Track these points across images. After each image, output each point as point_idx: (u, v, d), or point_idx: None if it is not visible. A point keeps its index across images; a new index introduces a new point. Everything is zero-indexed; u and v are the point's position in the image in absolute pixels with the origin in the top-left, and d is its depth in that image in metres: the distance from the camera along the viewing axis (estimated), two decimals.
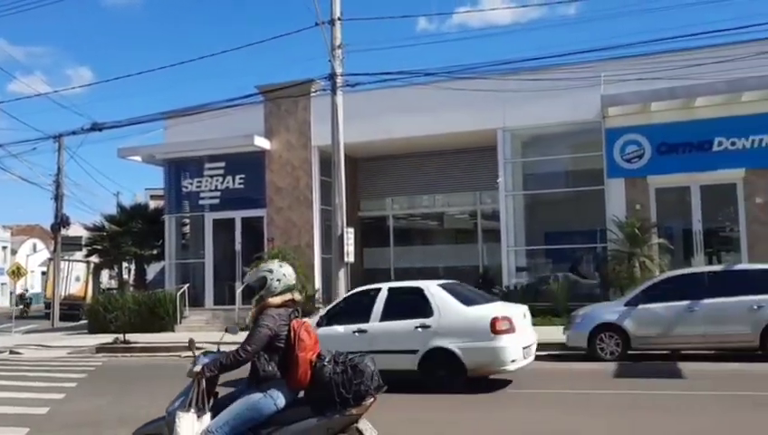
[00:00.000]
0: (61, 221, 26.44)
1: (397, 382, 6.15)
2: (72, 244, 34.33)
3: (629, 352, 11.53)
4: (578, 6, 53.11)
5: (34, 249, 58.71)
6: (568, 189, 18.40)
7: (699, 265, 15.04)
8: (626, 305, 11.75)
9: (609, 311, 11.92)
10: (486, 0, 65.14)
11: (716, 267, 13.75)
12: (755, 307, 10.92)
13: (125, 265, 28.80)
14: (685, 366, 10.62)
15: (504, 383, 9.82)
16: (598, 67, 15.84)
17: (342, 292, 15.26)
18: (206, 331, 18.43)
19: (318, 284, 18.98)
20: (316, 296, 18.69)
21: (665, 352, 11.75)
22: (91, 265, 30.87)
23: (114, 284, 34.38)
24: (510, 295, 16.71)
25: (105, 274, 35.56)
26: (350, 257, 15.42)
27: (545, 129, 17.74)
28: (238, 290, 19.35)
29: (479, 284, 19.30)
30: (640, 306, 11.58)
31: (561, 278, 16.79)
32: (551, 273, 17.50)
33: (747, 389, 8.75)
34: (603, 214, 16.39)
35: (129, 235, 24.41)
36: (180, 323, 19.14)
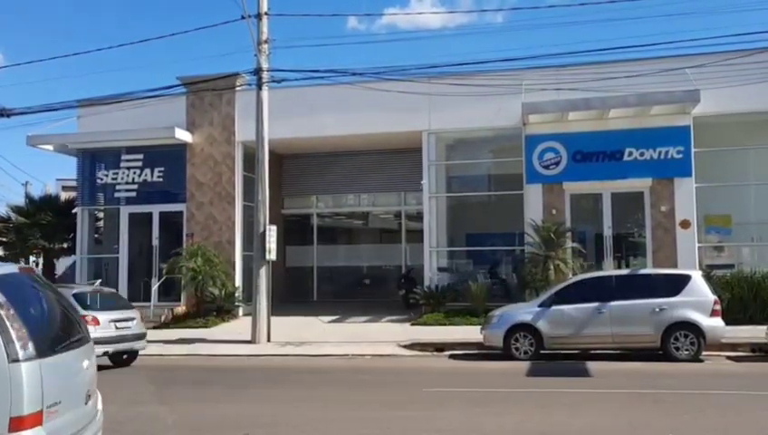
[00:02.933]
0: None
1: None
2: None
3: (542, 351, 11.98)
4: (504, 15, 54.53)
5: None
6: (490, 193, 18.92)
7: (608, 269, 15.82)
8: (539, 307, 12.21)
9: (524, 312, 12.34)
10: (416, 3, 65.89)
11: (623, 271, 14.52)
12: (657, 310, 11.60)
13: (32, 259, 27.29)
14: (593, 365, 11.13)
15: (420, 382, 9.99)
16: (520, 75, 16.34)
17: (263, 290, 15.09)
18: None
19: (238, 281, 18.67)
20: (236, 294, 18.38)
21: (575, 351, 12.29)
22: None
23: None
24: (431, 295, 17.04)
25: None
26: (271, 255, 15.25)
27: (469, 133, 18.16)
28: (154, 286, 18.77)
29: (401, 283, 19.60)
30: (553, 307, 12.06)
31: (481, 279, 17.22)
32: (471, 274, 17.92)
33: (648, 387, 9.28)
34: (522, 218, 16.93)
35: (37, 227, 23.11)
36: None
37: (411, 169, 19.42)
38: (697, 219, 16.10)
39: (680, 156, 16.06)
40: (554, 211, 16.62)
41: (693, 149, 16.03)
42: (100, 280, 19.07)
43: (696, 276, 12.18)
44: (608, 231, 16.69)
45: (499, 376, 10.65)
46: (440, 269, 18.01)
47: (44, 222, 23.01)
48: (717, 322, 11.68)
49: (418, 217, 19.68)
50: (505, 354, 12.02)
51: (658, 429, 6.96)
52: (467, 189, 19.08)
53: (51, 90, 57.36)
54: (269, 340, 14.83)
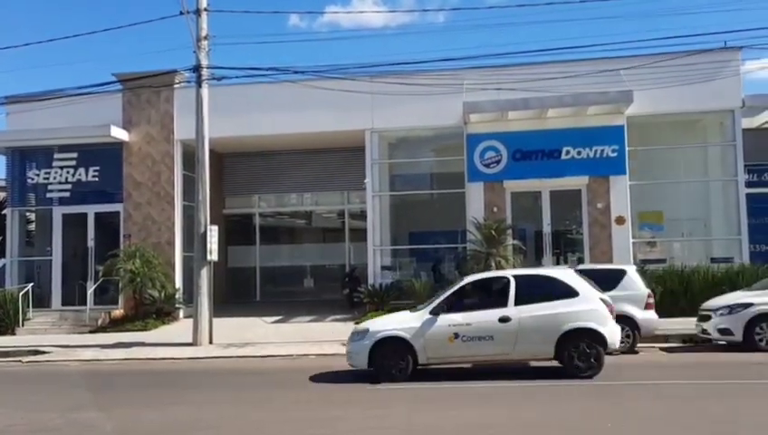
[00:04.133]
0: None
1: None
2: None
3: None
4: (445, 15, 55.13)
5: None
6: (432, 191, 19.10)
7: (548, 265, 16.21)
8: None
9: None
10: (357, 2, 65.83)
11: (561, 267, 14.86)
12: None
13: None
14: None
15: (366, 381, 9.99)
16: (461, 75, 16.57)
17: (205, 291, 14.79)
18: (52, 333, 17.09)
19: (179, 283, 18.24)
20: (177, 296, 17.96)
21: None
22: None
23: None
24: (375, 294, 17.07)
25: None
26: (213, 256, 14.96)
27: (412, 131, 18.29)
28: (90, 289, 18.14)
29: (345, 282, 19.55)
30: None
31: (424, 277, 17.35)
32: (414, 272, 18.04)
33: (586, 380, 9.51)
34: (464, 216, 17.15)
35: None
36: (23, 325, 17.57)
37: (354, 167, 19.40)
38: (631, 216, 16.68)
39: (615, 154, 16.60)
40: (495, 209, 16.91)
41: (627, 148, 16.59)
42: (32, 283, 18.29)
43: (631, 271, 12.62)
44: (547, 228, 17.09)
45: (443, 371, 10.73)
46: (384, 268, 18.05)
47: None
48: (651, 314, 12.13)
49: (362, 215, 19.68)
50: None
51: (599, 419, 7.16)
52: (410, 188, 19.20)
53: None
54: (211, 342, 14.55)
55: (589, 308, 9.66)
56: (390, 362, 9.81)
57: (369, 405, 8.36)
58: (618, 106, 16.33)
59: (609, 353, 9.96)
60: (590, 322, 9.52)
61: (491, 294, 10.41)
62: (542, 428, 6.94)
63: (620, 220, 16.53)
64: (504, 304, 9.76)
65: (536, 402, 8.25)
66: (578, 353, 9.45)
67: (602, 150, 16.64)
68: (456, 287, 10.44)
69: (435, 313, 9.93)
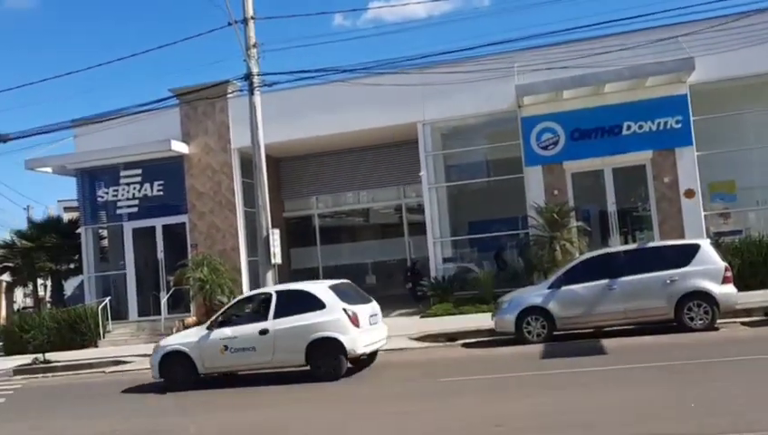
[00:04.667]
0: None
1: None
2: None
3: (555, 333, 11.93)
4: None
5: None
6: (489, 179, 18.80)
7: (615, 245, 15.73)
8: (549, 288, 12.14)
9: (534, 295, 12.28)
10: None
11: (631, 246, 14.38)
12: (668, 281, 11.52)
13: (40, 281, 27.34)
14: (607, 343, 11.08)
15: (435, 373, 9.96)
16: (511, 58, 16.24)
17: None
18: (131, 344, 17.78)
19: (246, 287, 18.64)
20: None
21: (588, 330, 12.22)
22: (3, 284, 29.14)
23: (30, 302, 32.60)
24: (439, 286, 16.98)
25: (19, 292, 33.66)
26: (276, 259, 15.20)
27: (464, 120, 18.06)
28: (163, 299, 18.77)
29: (408, 277, 19.54)
30: (563, 288, 11.99)
31: (487, 266, 17.14)
32: (476, 261, 17.85)
33: (665, 359, 9.22)
34: (524, 201, 16.84)
35: (42, 250, 23.16)
36: (104, 337, 18.37)
37: (409, 161, 19.33)
38: (701, 188, 15.99)
39: (679, 125, 15.95)
40: (556, 192, 16.53)
41: (692, 118, 15.91)
42: (109, 297, 19.05)
43: (705, 245, 12.10)
44: (612, 207, 16.60)
45: (514, 361, 10.60)
46: (445, 259, 17.94)
47: (49, 244, 23.06)
48: (730, 289, 11.60)
49: (419, 209, 19.59)
50: (518, 339, 11.97)
51: (680, 400, 6.90)
52: (466, 177, 18.96)
53: (45, 112, 57.42)
54: None
55: (332, 319, 10.36)
56: (174, 373, 10.99)
57: (444, 396, 8.31)
58: (679, 75, 15.67)
59: (356, 360, 10.69)
60: (332, 331, 10.29)
61: (258, 310, 11.51)
62: (617, 410, 6.74)
63: (690, 193, 15.89)
64: (265, 317, 10.81)
65: (614, 386, 8.01)
66: (323, 361, 10.33)
67: (665, 122, 16.01)
68: (228, 304, 12.03)
69: (209, 328, 11.15)
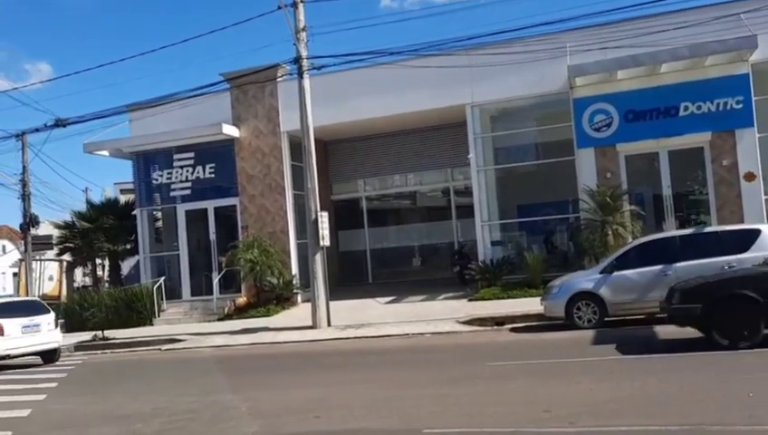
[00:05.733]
0: (30, 221, 25.82)
1: None
2: (43, 243, 33.58)
3: (606, 318, 11.74)
4: None
5: (4, 250, 57.42)
6: (539, 161, 18.49)
7: (670, 230, 15.31)
8: (601, 273, 11.94)
9: (585, 280, 12.10)
10: None
11: (687, 231, 13.95)
12: (726, 268, 11.14)
13: (98, 261, 28.34)
14: (660, 330, 10.83)
15: (483, 357, 9.94)
16: (562, 38, 15.88)
17: (320, 276, 15.25)
18: (184, 322, 18.33)
19: (295, 269, 18.93)
20: (294, 282, 18.66)
21: (641, 316, 11.98)
22: (64, 264, 30.31)
23: (89, 281, 33.86)
24: (487, 270, 16.88)
25: (79, 271, 34.95)
26: (325, 241, 15.38)
27: (514, 102, 17.78)
28: (215, 280, 19.22)
29: (455, 260, 19.47)
30: (615, 273, 11.78)
31: (536, 250, 16.95)
32: (525, 245, 17.65)
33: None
34: (575, 184, 16.54)
35: (100, 231, 24.00)
36: (158, 316, 18.98)
37: (456, 144, 19.20)
38: (763, 171, 15.37)
39: (740, 106, 15.34)
40: (609, 175, 16.17)
41: (753, 98, 15.29)
42: (163, 277, 19.65)
43: (766, 230, 11.66)
44: (667, 191, 16.14)
45: (563, 346, 10.48)
46: (493, 243, 17.80)
47: (107, 226, 23.88)
48: None
49: (467, 192, 19.47)
50: (568, 324, 11.83)
51: (737, 390, 6.72)
52: (515, 160, 18.68)
53: (101, 97, 59.14)
54: (329, 324, 15.01)
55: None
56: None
57: (492, 380, 8.31)
58: (740, 53, 15.05)
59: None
60: None
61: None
62: (669, 398, 6.61)
63: (750, 177, 15.30)
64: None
65: (670, 373, 7.85)
66: None
67: (725, 103, 15.43)
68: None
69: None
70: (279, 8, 14.91)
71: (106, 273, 28.73)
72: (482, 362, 9.60)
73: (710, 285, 9.39)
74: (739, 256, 11.22)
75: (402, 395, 7.93)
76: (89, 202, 28.02)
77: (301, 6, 15.12)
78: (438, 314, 14.78)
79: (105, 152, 20.81)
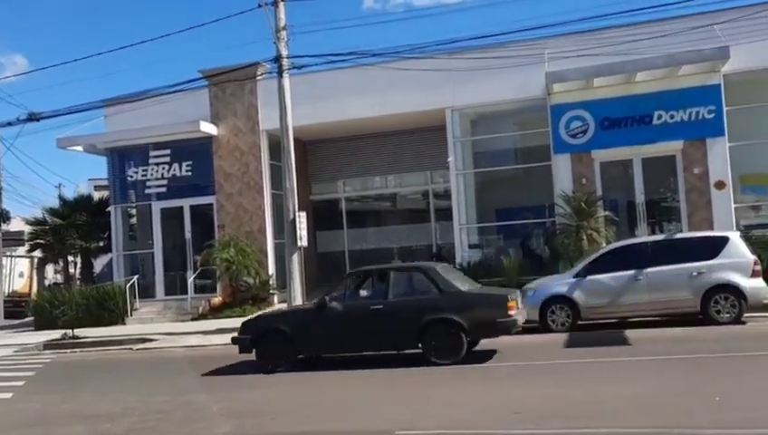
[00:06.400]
0: (0, 216, 25.44)
1: None
2: (14, 239, 32.96)
3: (580, 322, 11.88)
4: None
5: None
6: (517, 166, 18.67)
7: (643, 236, 15.54)
8: (575, 277, 12.09)
9: (559, 283, 12.24)
10: None
11: (659, 237, 14.19)
12: (695, 274, 11.39)
13: (70, 258, 27.91)
14: (632, 333, 11.01)
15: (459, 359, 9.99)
16: (542, 45, 16.05)
17: (297, 276, 15.20)
18: (158, 322, 18.13)
19: (272, 269, 18.84)
20: (270, 282, 18.57)
21: (613, 320, 12.15)
22: (35, 261, 29.83)
23: (60, 278, 33.34)
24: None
25: (50, 268, 34.40)
26: (303, 242, 15.34)
27: (493, 107, 17.91)
28: (190, 279, 19.05)
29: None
30: (588, 278, 11.93)
31: (513, 253, 17.09)
32: (502, 248, 17.79)
33: (689, 352, 9.14)
34: (551, 189, 16.72)
35: (73, 228, 23.65)
36: (131, 315, 18.75)
37: (436, 147, 19.27)
38: (732, 180, 15.70)
39: (711, 116, 15.65)
40: (584, 181, 16.37)
41: (725, 108, 15.61)
42: (137, 275, 19.42)
43: (734, 238, 11.92)
44: (640, 197, 16.39)
45: (537, 349, 10.57)
46: (471, 246, 17.92)
47: (80, 222, 23.53)
48: (758, 283, 11.43)
49: (446, 195, 19.57)
50: (542, 327, 11.95)
51: (704, 393, 6.85)
52: (494, 164, 18.83)
53: (76, 91, 58.30)
54: None
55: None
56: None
57: (463, 381, 8.35)
58: (713, 64, 15.36)
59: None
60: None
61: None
62: (637, 401, 6.71)
63: (720, 185, 15.62)
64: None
65: (639, 377, 7.98)
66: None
67: (698, 112, 15.72)
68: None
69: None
70: (259, 6, 14.85)
71: (78, 270, 28.32)
72: (458, 363, 9.63)
73: (256, 320, 11.34)
74: (708, 262, 11.47)
75: (375, 396, 7.95)
76: (62, 198, 27.59)
77: (281, 5, 15.07)
78: None
79: (79, 148, 20.51)
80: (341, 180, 22.29)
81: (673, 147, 15.96)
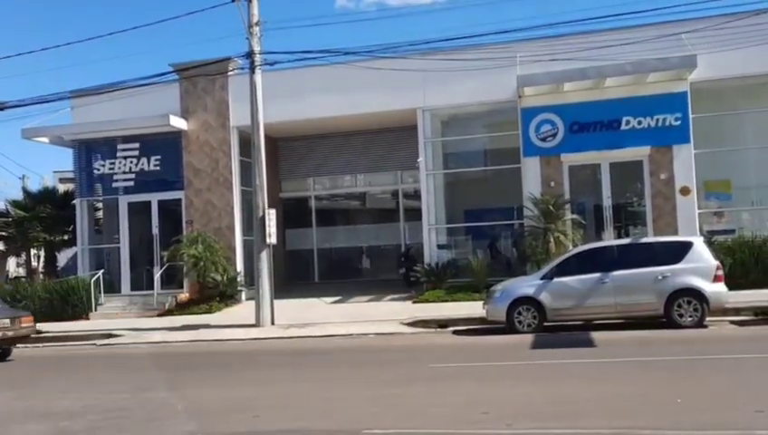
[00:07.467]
0: None
1: None
2: None
3: (546, 323, 12.03)
4: None
5: None
6: (486, 168, 18.84)
7: (609, 239, 15.82)
8: (541, 279, 12.23)
9: (526, 285, 12.37)
10: None
11: (624, 241, 14.48)
12: (660, 277, 11.62)
13: (33, 251, 27.32)
14: (597, 335, 11.18)
15: (425, 359, 10.03)
16: (514, 48, 16.21)
17: (265, 274, 15.09)
18: (123, 317, 17.84)
19: (240, 266, 18.68)
20: (238, 279, 18.40)
21: (579, 322, 12.32)
22: None
23: (23, 271, 32.59)
24: (432, 272, 17.05)
25: (12, 261, 33.62)
26: (272, 239, 15.23)
27: (464, 108, 18.03)
28: (156, 275, 18.78)
29: (401, 262, 19.61)
30: (555, 280, 12.08)
31: (481, 254, 17.22)
32: (471, 249, 17.92)
33: (653, 354, 9.32)
34: (520, 191, 16.88)
35: (37, 220, 23.13)
36: (96, 310, 18.40)
37: (407, 147, 19.33)
38: (697, 186, 16.07)
39: (678, 123, 15.99)
40: (553, 183, 16.58)
41: (690, 115, 15.96)
42: (102, 270, 19.07)
43: (698, 243, 12.20)
44: (607, 201, 16.66)
45: (504, 350, 10.68)
46: (440, 246, 18.01)
47: (44, 215, 23.05)
48: (720, 287, 11.71)
49: (416, 195, 19.63)
50: (509, 328, 12.06)
51: (667, 395, 6.99)
52: (464, 165, 18.98)
53: (43, 82, 56.95)
54: (273, 323, 14.88)
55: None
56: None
57: (434, 382, 8.39)
58: (680, 72, 15.69)
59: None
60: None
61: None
62: (602, 402, 6.82)
63: (685, 191, 15.96)
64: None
65: (603, 378, 8.11)
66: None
67: (664, 119, 16.04)
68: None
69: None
70: (233, 1, 14.70)
71: (41, 264, 27.73)
72: (424, 363, 9.69)
73: None
74: (672, 266, 11.70)
75: (342, 395, 7.93)
76: (25, 190, 26.93)
77: (255, 0, 14.94)
78: (383, 315, 14.84)
79: (45, 139, 20.05)
80: (312, 178, 22.22)
81: (640, 152, 16.26)
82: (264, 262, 15.14)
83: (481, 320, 12.93)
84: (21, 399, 8.88)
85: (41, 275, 25.33)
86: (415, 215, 19.49)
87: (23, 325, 12.91)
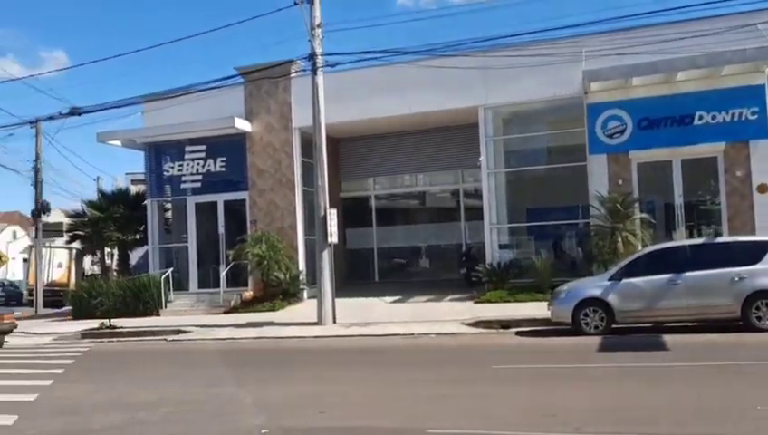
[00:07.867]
0: (41, 207, 26.09)
1: None
2: (54, 230, 33.93)
3: (614, 326, 11.69)
4: None
5: (14, 236, 57.94)
6: (550, 166, 18.43)
7: (680, 239, 15.21)
8: (609, 280, 11.88)
9: (593, 286, 12.05)
10: None
11: (698, 240, 13.88)
12: (736, 279, 11.10)
13: (108, 250, 28.53)
14: (669, 338, 10.77)
15: (488, 359, 9.91)
16: (579, 42, 15.81)
17: (327, 272, 15.25)
18: (191, 314, 18.38)
19: (302, 265, 18.95)
20: (300, 277, 18.67)
21: (648, 325, 11.91)
22: (74, 252, 30.53)
23: (97, 269, 34.08)
24: (494, 272, 16.84)
25: (88, 260, 35.21)
26: (333, 238, 15.38)
27: (527, 105, 17.70)
28: (222, 273, 19.27)
29: (462, 262, 19.45)
30: (623, 281, 11.71)
31: (544, 254, 16.90)
32: (534, 249, 17.59)
33: (729, 359, 8.91)
34: (585, 190, 16.47)
35: (110, 220, 24.16)
36: (165, 307, 19.05)
37: (468, 145, 19.15)
38: None
39: (755, 117, 15.24)
40: (620, 182, 16.09)
41: None
42: (171, 268, 19.72)
43: None
44: (679, 200, 16.04)
45: (569, 352, 10.44)
46: (501, 246, 17.75)
47: (117, 215, 24.06)
48: None
49: (477, 194, 19.43)
50: (575, 330, 11.78)
51: (746, 401, 6.67)
52: (526, 164, 18.60)
53: (116, 87, 59.41)
54: (335, 321, 15.01)
55: None
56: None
57: (496, 383, 8.29)
58: (757, 64, 14.94)
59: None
60: None
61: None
62: (674, 408, 6.56)
63: (763, 188, 15.19)
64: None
65: (674, 383, 7.81)
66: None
67: (740, 113, 15.32)
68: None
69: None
70: (295, 4, 14.92)
71: (115, 262, 28.92)
72: (487, 364, 9.58)
73: None
74: (750, 267, 11.16)
75: (406, 394, 7.92)
76: (100, 191, 28.20)
77: (317, 3, 15.11)
78: (444, 315, 14.75)
79: (117, 142, 20.92)
80: (372, 178, 22.33)
81: (714, 148, 15.59)
82: (326, 261, 15.30)
83: (545, 321, 12.67)
84: (100, 391, 9.27)
85: (114, 273, 26.41)
86: (476, 214, 19.30)
87: (5, 321, 15.07)
